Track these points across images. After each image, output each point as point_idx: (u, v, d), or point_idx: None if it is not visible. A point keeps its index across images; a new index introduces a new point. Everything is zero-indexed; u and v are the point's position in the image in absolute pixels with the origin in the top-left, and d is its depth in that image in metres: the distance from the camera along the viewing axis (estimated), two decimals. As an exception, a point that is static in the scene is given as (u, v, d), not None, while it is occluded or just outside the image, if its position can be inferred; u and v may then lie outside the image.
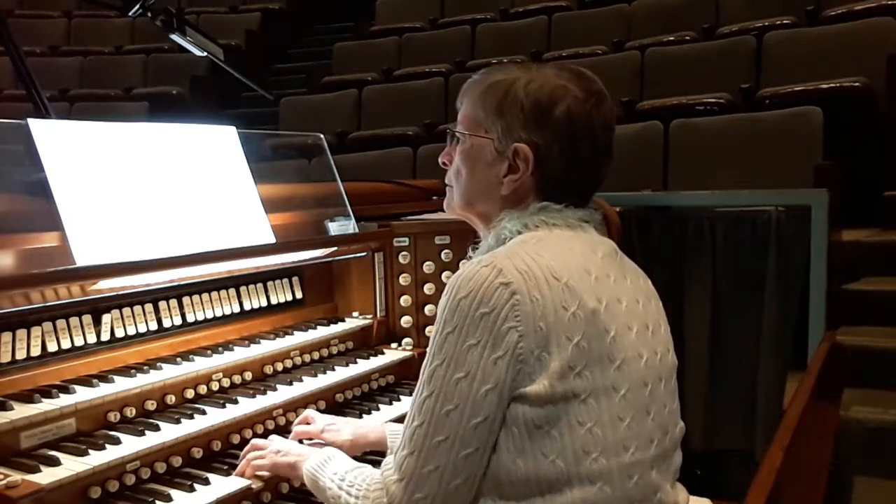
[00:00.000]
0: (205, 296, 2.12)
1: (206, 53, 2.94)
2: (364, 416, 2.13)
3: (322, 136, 2.67)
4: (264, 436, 1.93)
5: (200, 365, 1.94)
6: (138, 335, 1.95)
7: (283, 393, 2.01)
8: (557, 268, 1.32)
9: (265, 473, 1.71)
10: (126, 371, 1.82)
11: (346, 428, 1.87)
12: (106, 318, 1.88)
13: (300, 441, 1.85)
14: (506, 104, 1.43)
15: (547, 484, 1.30)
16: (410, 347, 2.50)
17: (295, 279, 2.40)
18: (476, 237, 1.57)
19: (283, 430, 1.99)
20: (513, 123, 1.43)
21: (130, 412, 1.78)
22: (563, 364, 1.28)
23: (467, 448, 1.30)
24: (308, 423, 1.90)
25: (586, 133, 1.42)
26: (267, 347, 2.13)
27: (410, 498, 1.32)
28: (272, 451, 1.71)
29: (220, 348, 2.05)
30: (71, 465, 1.53)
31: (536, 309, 1.28)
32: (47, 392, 1.66)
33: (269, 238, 2.21)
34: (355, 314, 2.53)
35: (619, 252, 1.50)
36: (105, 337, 1.87)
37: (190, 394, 1.91)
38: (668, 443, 1.42)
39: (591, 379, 1.30)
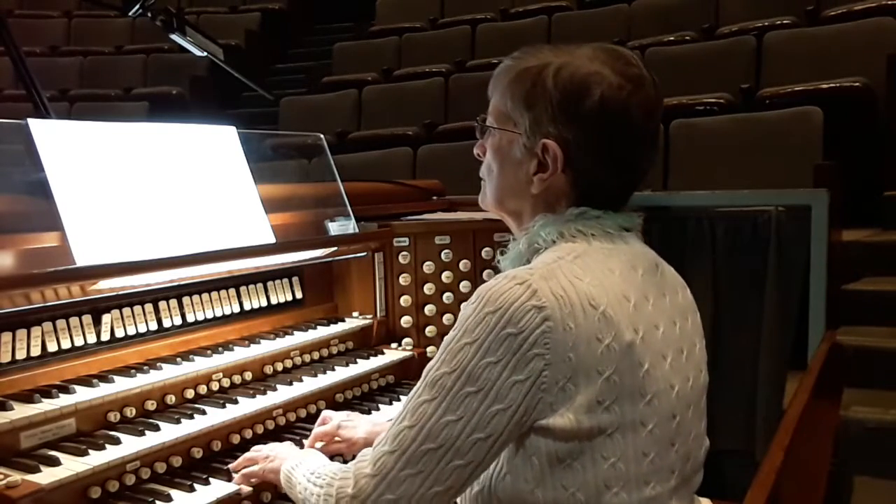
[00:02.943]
0: (205, 296, 2.12)
1: (206, 53, 2.94)
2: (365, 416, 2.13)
3: (322, 136, 2.67)
4: (264, 436, 1.93)
5: (200, 365, 1.94)
6: (138, 335, 1.95)
7: (283, 393, 2.01)
8: (596, 294, 1.24)
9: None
10: (126, 371, 1.82)
11: (362, 425, 1.84)
12: (106, 318, 1.88)
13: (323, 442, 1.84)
14: (534, 95, 1.32)
15: None
16: (410, 347, 2.50)
17: (295, 279, 2.40)
18: (505, 241, 1.47)
19: (284, 430, 1.99)
20: (541, 117, 1.32)
21: (130, 412, 1.78)
22: (591, 398, 1.21)
23: (460, 459, 1.23)
24: (324, 424, 1.87)
25: (622, 124, 1.30)
26: (267, 347, 2.13)
27: (379, 497, 1.24)
28: (262, 456, 1.69)
29: (220, 348, 2.05)
30: (71, 465, 1.53)
31: (568, 338, 1.20)
32: (47, 392, 1.66)
33: (269, 238, 2.21)
34: (355, 314, 2.53)
35: (660, 265, 1.41)
36: (105, 337, 1.87)
37: (190, 394, 1.91)
38: (689, 469, 1.38)
39: (619, 413, 1.23)
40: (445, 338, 1.28)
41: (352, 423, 1.85)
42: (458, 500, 1.35)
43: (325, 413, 1.92)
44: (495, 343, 1.21)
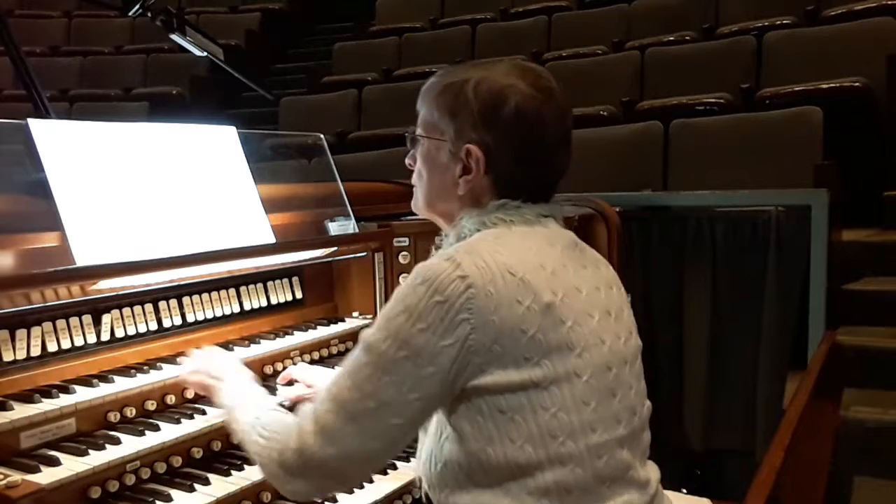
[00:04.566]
0: (205, 296, 2.12)
1: (206, 53, 2.94)
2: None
3: (322, 136, 2.67)
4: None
5: (200, 365, 1.94)
6: (138, 335, 1.95)
7: (284, 393, 2.01)
8: (513, 264, 1.36)
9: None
10: (126, 371, 1.82)
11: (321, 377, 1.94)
12: (106, 318, 1.88)
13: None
14: (457, 106, 1.47)
15: (518, 468, 1.34)
16: (410, 347, 2.50)
17: (295, 279, 2.40)
18: (439, 237, 1.60)
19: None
20: (464, 125, 1.46)
21: (130, 412, 1.78)
22: (518, 356, 1.32)
23: (397, 418, 1.34)
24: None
25: (537, 129, 1.45)
26: (267, 347, 2.13)
27: (322, 452, 1.35)
28: (203, 369, 1.77)
29: (220, 348, 2.05)
30: (71, 465, 1.54)
31: (490, 303, 1.31)
32: (47, 392, 1.66)
33: (269, 238, 2.21)
34: (355, 314, 2.53)
35: (578, 243, 1.53)
36: (105, 337, 1.87)
37: (190, 394, 1.91)
38: (636, 422, 1.47)
39: (550, 367, 1.34)
40: (383, 308, 1.39)
41: (311, 380, 1.95)
42: (425, 479, 1.45)
43: (290, 370, 2.01)
44: (425, 311, 1.32)
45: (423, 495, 1.50)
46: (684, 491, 2.43)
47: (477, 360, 1.32)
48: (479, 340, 1.31)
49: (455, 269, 1.33)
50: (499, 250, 1.38)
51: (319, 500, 1.81)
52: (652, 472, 1.52)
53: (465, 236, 1.48)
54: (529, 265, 1.37)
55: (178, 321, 2.04)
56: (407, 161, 1.61)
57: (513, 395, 1.33)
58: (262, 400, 1.60)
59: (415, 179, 1.61)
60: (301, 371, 2.02)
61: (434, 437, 1.43)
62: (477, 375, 1.33)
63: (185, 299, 2.06)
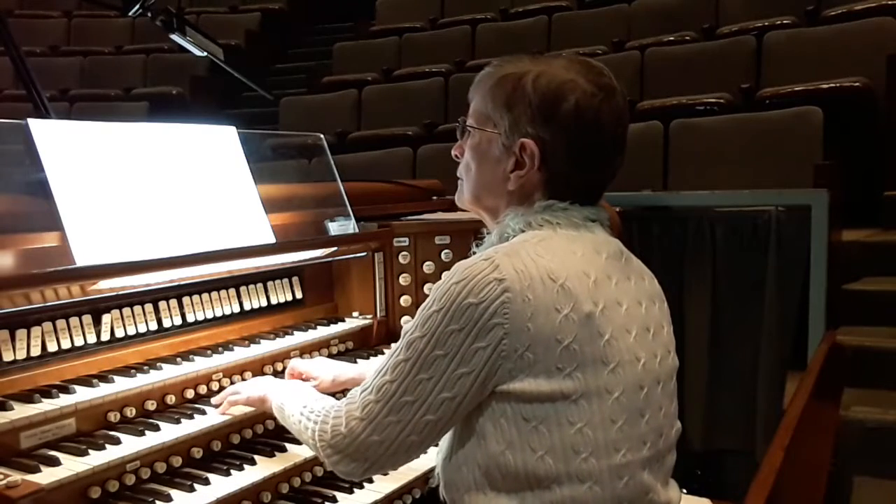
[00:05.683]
0: (205, 296, 2.12)
1: (206, 53, 2.94)
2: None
3: (322, 136, 2.67)
4: (264, 435, 1.94)
5: (200, 365, 1.94)
6: (138, 335, 1.95)
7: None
8: (555, 269, 1.33)
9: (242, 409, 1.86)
10: (126, 371, 1.82)
11: (327, 370, 2.02)
12: (106, 318, 1.88)
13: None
14: (514, 99, 1.42)
15: (536, 479, 1.32)
16: (410, 347, 2.50)
17: (295, 279, 2.40)
18: (480, 233, 1.56)
19: (284, 430, 1.98)
20: (520, 118, 1.42)
21: (130, 412, 1.78)
22: (550, 365, 1.30)
23: (431, 415, 1.35)
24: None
25: (594, 128, 1.41)
26: (267, 347, 2.13)
27: (367, 438, 1.39)
28: (246, 385, 1.86)
29: (220, 348, 2.05)
30: (71, 465, 1.54)
31: (527, 309, 1.29)
32: (47, 392, 1.66)
33: (269, 238, 2.21)
34: (355, 314, 2.53)
35: (624, 252, 1.49)
36: (105, 337, 1.87)
37: (190, 394, 1.92)
38: (662, 445, 1.43)
39: (582, 380, 1.31)
40: (422, 304, 1.39)
41: (316, 372, 2.02)
42: (442, 476, 1.45)
43: (293, 363, 2.06)
44: (458, 312, 1.31)
45: (440, 495, 1.48)
46: (684, 491, 2.42)
47: (508, 366, 1.30)
48: (511, 346, 1.29)
49: (493, 271, 1.31)
50: (541, 253, 1.35)
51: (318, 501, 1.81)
52: (673, 493, 1.49)
53: (509, 236, 1.45)
54: (572, 271, 1.34)
55: (178, 321, 2.04)
56: (454, 152, 1.57)
57: (540, 405, 1.31)
58: (304, 390, 1.67)
59: (461, 171, 1.56)
60: (305, 364, 2.04)
61: (456, 433, 1.42)
62: (506, 380, 1.31)
63: (185, 299, 2.06)
